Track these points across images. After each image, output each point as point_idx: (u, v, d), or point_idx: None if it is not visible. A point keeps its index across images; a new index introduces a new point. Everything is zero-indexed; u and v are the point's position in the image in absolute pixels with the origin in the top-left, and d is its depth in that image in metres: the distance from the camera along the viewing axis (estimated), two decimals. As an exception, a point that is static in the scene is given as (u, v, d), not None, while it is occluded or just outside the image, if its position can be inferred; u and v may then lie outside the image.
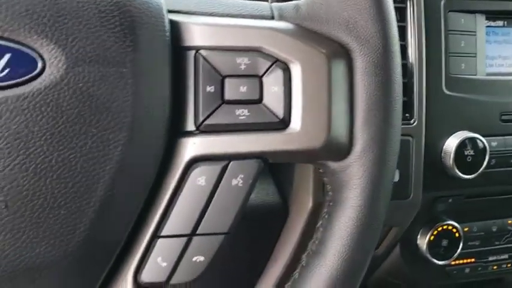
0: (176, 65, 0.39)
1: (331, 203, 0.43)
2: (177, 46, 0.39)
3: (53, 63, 0.34)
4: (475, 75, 0.75)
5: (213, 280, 0.42)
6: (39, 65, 0.33)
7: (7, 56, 0.33)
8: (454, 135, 0.72)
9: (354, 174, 0.41)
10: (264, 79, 0.40)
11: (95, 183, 0.36)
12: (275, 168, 0.42)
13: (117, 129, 0.36)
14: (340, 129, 0.41)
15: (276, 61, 0.40)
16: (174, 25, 0.40)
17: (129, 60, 0.36)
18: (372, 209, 0.42)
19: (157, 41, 0.38)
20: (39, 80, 0.33)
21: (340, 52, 0.41)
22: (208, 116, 0.40)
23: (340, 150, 0.41)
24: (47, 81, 0.34)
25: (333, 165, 0.42)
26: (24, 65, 0.33)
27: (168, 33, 0.38)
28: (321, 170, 0.44)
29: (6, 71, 0.33)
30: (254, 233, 0.47)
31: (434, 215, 0.78)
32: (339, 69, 0.41)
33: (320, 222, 0.44)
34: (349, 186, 0.42)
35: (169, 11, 0.40)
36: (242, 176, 0.40)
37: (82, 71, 0.34)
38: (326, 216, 0.43)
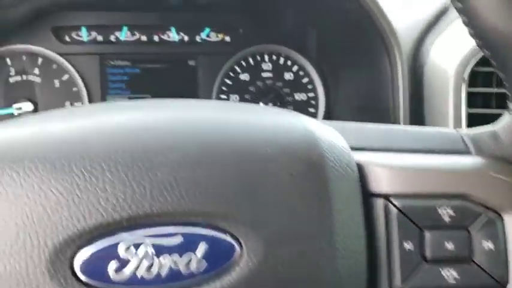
0: (365, 216, 0.34)
1: None
2: (363, 193, 0.34)
3: (250, 248, 0.30)
4: None
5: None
6: (237, 251, 0.29)
7: (203, 245, 0.29)
8: None
9: None
10: (473, 232, 0.34)
11: None
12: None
13: None
14: None
15: (486, 209, 0.34)
16: (359, 168, 0.35)
17: (328, 228, 0.31)
18: None
19: (351, 197, 0.33)
20: (237, 268, 0.29)
21: None
22: (406, 278, 0.34)
23: None
24: (245, 269, 0.29)
25: None
26: (221, 253, 0.29)
27: (358, 183, 0.34)
28: None
29: (203, 262, 0.29)
30: None
31: None
32: None
33: None
34: None
35: (352, 148, 0.35)
36: None
37: (281, 252, 0.30)
38: None
